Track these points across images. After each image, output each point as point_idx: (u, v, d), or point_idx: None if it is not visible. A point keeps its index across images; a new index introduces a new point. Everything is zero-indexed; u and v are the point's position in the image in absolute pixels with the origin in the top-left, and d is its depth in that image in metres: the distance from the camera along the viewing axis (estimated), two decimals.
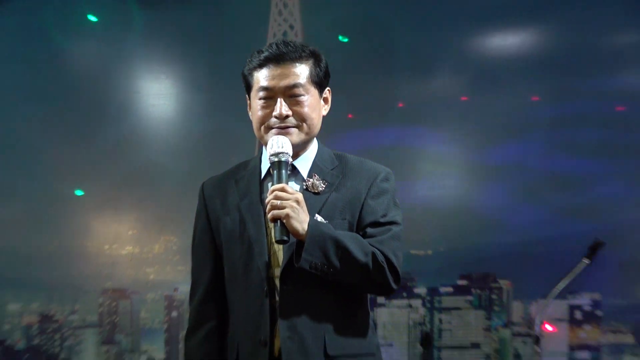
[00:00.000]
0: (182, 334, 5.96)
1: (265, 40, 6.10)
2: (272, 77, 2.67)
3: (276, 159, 2.63)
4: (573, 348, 5.66)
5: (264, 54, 2.63)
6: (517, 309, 5.84)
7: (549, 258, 5.59)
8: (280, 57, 2.62)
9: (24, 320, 5.90)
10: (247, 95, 2.74)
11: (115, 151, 6.06)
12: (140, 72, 5.87)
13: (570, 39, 5.92)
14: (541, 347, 4.86)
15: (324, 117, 2.76)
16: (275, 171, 2.63)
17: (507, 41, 5.97)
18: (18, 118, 6.03)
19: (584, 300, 5.73)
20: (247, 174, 2.89)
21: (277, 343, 2.63)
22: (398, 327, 5.70)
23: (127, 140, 6.04)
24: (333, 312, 2.72)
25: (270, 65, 2.67)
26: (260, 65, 2.67)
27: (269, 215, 2.56)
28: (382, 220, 2.78)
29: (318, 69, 2.66)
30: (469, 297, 5.85)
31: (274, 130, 2.65)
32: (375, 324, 3.70)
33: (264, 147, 2.78)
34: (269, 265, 2.70)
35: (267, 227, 2.73)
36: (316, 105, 2.75)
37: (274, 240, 2.64)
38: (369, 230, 2.72)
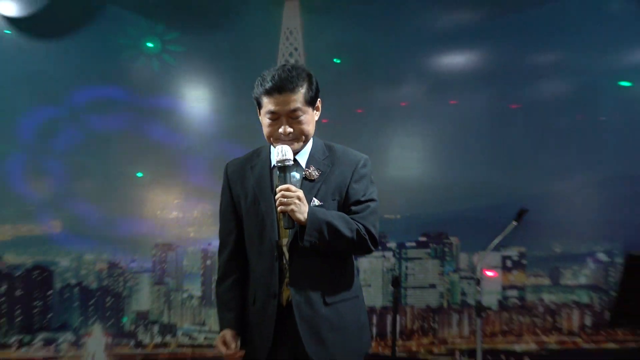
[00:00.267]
0: (214, 277, 6.29)
1: (276, 58, 6.65)
2: (277, 104, 3.34)
3: (282, 165, 3.33)
4: (505, 288, 6.44)
5: (269, 84, 3.33)
6: (463, 259, 6.54)
7: (487, 221, 6.09)
8: (282, 88, 3.31)
9: (96, 267, 6.58)
10: (257, 109, 3.47)
11: (165, 142, 6.61)
12: (184, 82, 6.47)
13: (502, 57, 6.45)
14: (481, 287, 5.45)
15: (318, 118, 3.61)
16: (281, 174, 3.34)
17: (455, 59, 6.56)
18: (93, 118, 6.53)
19: (513, 252, 6.48)
20: (259, 162, 3.60)
21: (284, 295, 3.42)
22: (375, 273, 6.30)
23: (174, 133, 6.59)
24: (328, 271, 3.49)
25: (275, 94, 3.32)
26: (267, 93, 3.34)
27: (279, 209, 3.31)
28: (362, 199, 3.49)
29: (310, 91, 3.40)
30: (428, 250, 6.53)
31: (279, 141, 3.53)
32: (358, 271, 4.27)
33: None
34: (277, 236, 3.42)
35: (275, 206, 3.47)
36: (311, 119, 3.49)
37: (282, 226, 3.41)
38: (353, 207, 3.47)
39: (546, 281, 6.42)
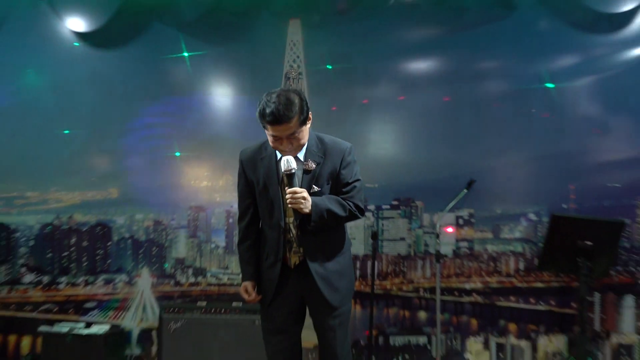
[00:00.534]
0: (235, 231, 6.48)
1: (283, 65, 7.19)
2: (277, 131, 3.85)
3: (288, 173, 3.86)
4: (458, 240, 7.08)
5: (269, 118, 3.79)
6: (426, 218, 7.14)
7: (444, 189, 6.57)
8: (280, 121, 3.81)
9: (145, 224, 7.26)
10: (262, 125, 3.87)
11: (197, 128, 7.30)
12: (210, 82, 7.18)
13: (456, 63, 7.18)
14: (440, 240, 6.18)
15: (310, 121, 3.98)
16: (288, 180, 3.88)
17: (420, 65, 7.28)
18: (141, 110, 7.32)
19: (464, 213, 7.09)
20: (267, 154, 4.07)
21: (292, 260, 4.10)
22: (358, 229, 6.91)
23: (205, 121, 7.27)
24: (326, 239, 4.13)
25: (275, 124, 3.83)
26: (268, 123, 3.83)
27: (289, 206, 3.92)
28: (350, 181, 4.06)
29: (302, 115, 3.90)
30: (399, 211, 7.15)
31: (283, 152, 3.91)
32: (346, 230, 4.35)
33: None
34: (284, 215, 4.05)
35: (282, 191, 4.01)
36: (305, 133, 3.97)
37: (287, 208, 3.98)
38: (343, 189, 4.07)
39: (489, 235, 7.03)
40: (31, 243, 7.33)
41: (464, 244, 7.12)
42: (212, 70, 7.33)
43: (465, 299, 7.08)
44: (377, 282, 6.82)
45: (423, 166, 7.08)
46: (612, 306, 6.96)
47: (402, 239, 7.09)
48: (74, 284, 7.28)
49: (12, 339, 7.27)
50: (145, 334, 7.23)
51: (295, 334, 4.22)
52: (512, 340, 7.01)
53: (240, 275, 4.23)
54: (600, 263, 6.14)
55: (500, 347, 7.01)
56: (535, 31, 7.10)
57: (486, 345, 7.03)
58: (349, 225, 4.33)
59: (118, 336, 6.87)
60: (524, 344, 6.99)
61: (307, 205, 3.88)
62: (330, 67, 7.10)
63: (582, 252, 6.01)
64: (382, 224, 7.07)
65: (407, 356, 7.03)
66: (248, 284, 4.14)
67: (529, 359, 7.00)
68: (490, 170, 7.01)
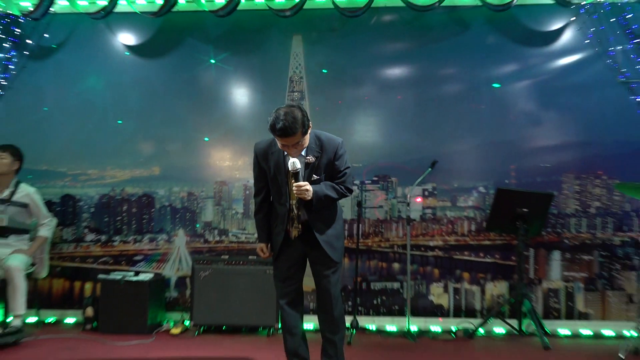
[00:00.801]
0: (251, 201, 6.44)
1: (288, 70, 7.26)
2: (284, 142, 4.15)
3: (295, 172, 4.16)
4: (424, 208, 7.15)
5: (278, 132, 4.06)
6: (399, 191, 7.16)
7: (414, 167, 6.93)
8: (286, 133, 4.06)
9: (180, 195, 7.33)
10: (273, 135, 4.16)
11: (221, 119, 7.36)
12: (231, 84, 7.25)
13: (425, 69, 7.24)
14: (410, 207, 6.56)
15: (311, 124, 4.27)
16: (294, 176, 4.17)
17: (396, 71, 7.31)
18: (177, 105, 7.37)
19: (429, 186, 7.15)
20: (276, 149, 4.35)
21: (294, 232, 4.40)
22: (347, 199, 6.59)
23: (227, 114, 7.33)
24: (325, 212, 4.45)
25: (283, 137, 4.08)
26: (278, 136, 4.10)
27: (295, 196, 4.21)
28: (341, 169, 4.38)
29: (304, 127, 4.18)
30: (378, 185, 7.20)
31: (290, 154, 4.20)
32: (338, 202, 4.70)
33: None
34: (288, 198, 4.34)
35: (288, 180, 4.29)
36: (306, 139, 4.27)
37: (294, 202, 4.29)
38: (337, 175, 4.38)
39: (448, 204, 7.10)
40: (92, 210, 7.50)
41: (428, 211, 7.22)
42: (233, 75, 7.43)
43: (429, 253, 7.19)
44: (361, 240, 6.97)
45: (397, 150, 7.18)
46: (543, 259, 7.11)
47: (381, 206, 7.19)
48: (125, 242, 7.48)
49: (77, 284, 7.45)
50: (180, 281, 7.37)
51: (298, 280, 4.59)
52: (466, 285, 7.18)
53: (257, 238, 4.65)
54: (534, 225, 6.69)
55: (456, 291, 7.18)
56: (484, 45, 7.25)
57: (445, 289, 7.19)
58: None
59: (159, 282, 7.08)
60: (474, 288, 7.17)
61: (309, 194, 4.20)
62: (325, 72, 7.23)
63: (520, 217, 6.56)
64: (365, 195, 7.14)
65: (384, 298, 7.16)
66: (263, 245, 4.61)
67: (478, 300, 7.16)
68: (449, 154, 7.14)
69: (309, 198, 4.26)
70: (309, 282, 4.82)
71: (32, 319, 6.97)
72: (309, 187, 4.20)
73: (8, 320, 6.37)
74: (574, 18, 7.04)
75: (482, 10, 7.04)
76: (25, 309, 6.35)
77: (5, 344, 5.90)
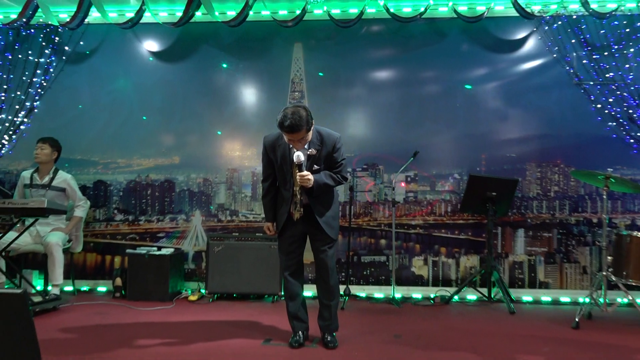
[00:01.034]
0: (258, 185, 6.98)
1: (290, 74, 7.14)
2: (291, 137, 4.10)
3: (299, 163, 4.15)
4: (407, 192, 7.04)
5: (286, 129, 4.05)
6: (385, 177, 7.06)
7: (398, 157, 6.84)
8: (293, 129, 4.02)
9: (197, 180, 7.21)
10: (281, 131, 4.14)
11: (232, 115, 7.23)
12: (242, 85, 7.09)
13: (407, 73, 7.12)
14: (395, 191, 6.51)
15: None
16: (298, 167, 4.16)
17: (382, 74, 7.16)
18: (194, 104, 7.23)
19: (411, 173, 7.05)
20: (283, 142, 4.32)
21: (296, 215, 4.36)
22: (341, 185, 5.63)
23: (237, 111, 7.20)
24: (324, 197, 4.42)
25: (290, 133, 4.03)
26: (286, 132, 4.04)
27: (299, 184, 4.18)
28: (339, 160, 4.36)
29: (308, 125, 4.11)
30: (368, 172, 7.09)
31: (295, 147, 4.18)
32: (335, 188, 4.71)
33: None
34: (292, 185, 4.32)
35: (292, 170, 4.26)
36: (310, 134, 4.20)
37: (297, 189, 4.26)
38: (335, 165, 4.36)
39: (428, 188, 7.02)
40: (120, 193, 7.41)
41: (410, 194, 7.14)
42: (242, 77, 7.33)
43: (412, 231, 7.11)
44: (353, 220, 6.93)
45: (384, 142, 7.09)
46: (509, 236, 7.05)
47: (370, 190, 7.10)
48: (149, 221, 7.39)
49: (108, 258, 7.39)
50: (197, 255, 7.29)
51: (299, 254, 4.57)
52: (443, 258, 7.12)
53: (264, 217, 4.63)
54: (501, 207, 6.61)
55: (434, 263, 7.11)
56: (459, 51, 7.15)
57: (425, 262, 7.12)
58: None
59: (179, 256, 7.00)
60: (450, 261, 7.10)
61: (311, 182, 4.16)
62: (322, 75, 7.13)
63: (489, 199, 6.48)
64: (356, 181, 7.04)
65: (372, 269, 7.09)
66: (269, 224, 4.58)
67: (454, 271, 7.10)
68: (429, 145, 7.06)
69: (311, 185, 4.24)
70: (308, 256, 4.88)
71: (68, 288, 6.93)
72: (310, 176, 4.19)
73: (48, 289, 6.33)
74: (536, 29, 6.98)
75: (457, 22, 6.96)
76: (62, 279, 6.33)
77: (45, 310, 5.86)
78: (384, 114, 7.14)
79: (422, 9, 6.78)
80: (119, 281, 6.80)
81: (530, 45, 7.09)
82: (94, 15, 7.19)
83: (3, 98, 7.21)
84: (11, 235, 5.96)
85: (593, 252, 6.80)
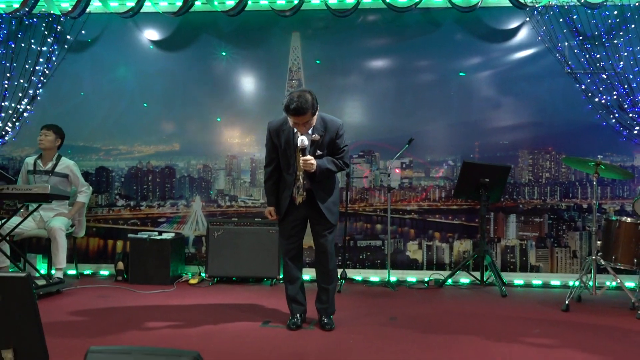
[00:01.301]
0: (258, 171, 7.10)
1: (287, 62, 7.13)
2: (296, 120, 4.10)
3: (302, 147, 4.15)
4: (402, 178, 7.03)
5: (291, 111, 4.06)
6: (382, 163, 7.05)
7: (394, 144, 6.84)
8: (298, 112, 4.02)
9: (197, 166, 7.20)
10: (286, 114, 4.16)
11: (231, 102, 7.20)
12: (241, 73, 7.09)
13: (402, 61, 7.10)
14: (390, 177, 6.48)
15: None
16: (302, 152, 4.16)
17: (378, 63, 7.16)
18: (193, 91, 7.23)
19: (406, 160, 7.05)
20: (287, 128, 4.33)
21: (299, 199, 4.34)
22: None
23: (236, 99, 7.16)
24: (326, 183, 4.41)
25: (295, 115, 4.03)
26: (291, 115, 4.04)
27: (303, 169, 4.19)
28: (341, 147, 4.34)
29: (313, 108, 4.11)
30: (364, 159, 7.09)
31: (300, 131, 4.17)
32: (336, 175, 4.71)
33: None
34: (295, 169, 4.30)
35: (296, 154, 4.26)
36: (314, 119, 4.21)
37: (300, 173, 4.25)
38: (337, 151, 4.36)
39: (422, 174, 7.03)
40: (122, 179, 7.40)
41: (405, 180, 7.14)
42: (241, 65, 7.31)
43: (407, 216, 7.12)
44: (349, 205, 6.89)
45: (379, 129, 7.10)
46: (502, 221, 7.07)
47: (366, 177, 7.11)
48: (150, 206, 7.39)
49: (110, 242, 7.40)
50: (197, 239, 7.29)
51: (299, 239, 4.58)
52: (437, 243, 7.13)
53: (266, 202, 4.64)
54: (494, 193, 6.63)
55: (429, 248, 7.12)
56: (453, 40, 7.13)
57: (420, 246, 7.13)
58: None
59: (180, 240, 7.01)
60: (444, 245, 7.12)
61: (314, 167, 4.16)
62: (319, 63, 7.12)
63: (483, 186, 6.49)
64: (353, 167, 7.02)
65: (368, 253, 7.12)
66: (271, 209, 4.55)
67: (447, 255, 7.12)
68: (423, 132, 7.04)
69: (313, 170, 4.24)
70: (307, 241, 4.88)
71: (72, 272, 6.92)
72: (313, 161, 4.18)
73: (52, 272, 6.34)
74: (528, 18, 6.91)
75: (452, 12, 6.91)
76: (66, 263, 6.32)
77: (49, 293, 5.86)
78: (379, 102, 7.10)
79: None
80: (121, 265, 6.78)
81: (522, 34, 7.05)
82: (95, 5, 7.13)
83: (6, 86, 7.16)
84: (15, 220, 5.94)
85: (583, 236, 6.81)
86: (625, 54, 6.64)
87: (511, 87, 7.02)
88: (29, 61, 7.23)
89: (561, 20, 6.75)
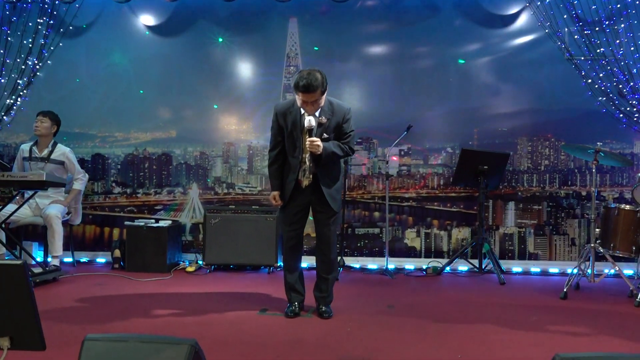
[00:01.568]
0: (255, 159, 7.13)
1: (285, 48, 7.11)
2: (305, 97, 4.08)
3: (309, 128, 4.18)
4: (400, 165, 7.05)
5: (301, 88, 4.05)
6: (380, 151, 7.07)
7: (392, 131, 6.80)
8: (308, 89, 4.02)
9: (194, 154, 7.19)
10: (294, 91, 4.14)
11: (230, 89, 7.19)
12: (237, 59, 7.08)
13: (401, 48, 7.07)
14: (388, 165, 6.46)
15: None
16: (308, 132, 4.18)
17: (376, 49, 7.16)
18: (190, 77, 7.20)
19: (404, 147, 7.04)
20: (294, 110, 4.32)
21: (305, 182, 4.32)
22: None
23: (233, 85, 7.17)
24: (331, 169, 4.38)
25: (304, 92, 4.02)
26: (300, 91, 4.03)
27: (309, 150, 4.16)
28: (347, 132, 4.33)
29: (322, 87, 4.11)
30: (362, 146, 7.09)
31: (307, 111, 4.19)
32: (341, 162, 4.70)
33: None
34: (302, 152, 4.29)
35: (302, 136, 4.25)
36: (323, 99, 4.20)
37: (306, 156, 4.23)
38: (344, 136, 4.36)
39: (421, 162, 7.04)
40: (118, 167, 7.39)
41: (404, 168, 7.15)
42: (238, 51, 7.28)
43: (405, 204, 7.14)
44: (347, 192, 6.90)
45: (378, 116, 7.08)
46: (500, 209, 7.09)
47: (364, 164, 7.12)
48: (147, 194, 7.38)
49: (106, 230, 7.40)
50: (194, 227, 7.30)
51: (301, 227, 4.56)
52: (435, 230, 7.16)
53: (270, 187, 4.59)
54: (492, 180, 6.63)
55: (427, 235, 7.14)
56: (452, 26, 7.11)
57: (418, 234, 7.16)
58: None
59: (177, 228, 6.99)
60: (442, 233, 7.14)
61: (320, 149, 4.15)
62: (316, 49, 7.11)
63: (481, 173, 6.48)
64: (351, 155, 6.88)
65: (366, 241, 7.14)
66: (276, 193, 4.50)
67: (445, 242, 7.15)
68: (422, 119, 7.03)
69: (319, 152, 4.22)
70: (306, 229, 4.97)
71: (68, 259, 6.90)
72: (320, 142, 4.17)
73: (48, 260, 6.32)
74: (528, 4, 6.88)
75: None
76: (62, 251, 6.31)
77: (46, 281, 5.86)
78: (378, 89, 7.09)
79: None
80: (117, 253, 6.76)
81: (522, 20, 7.01)
82: None
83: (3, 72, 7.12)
84: (11, 207, 5.94)
85: (582, 224, 6.83)
86: (626, 40, 6.60)
87: (510, 73, 7.00)
88: (24, 42, 7.17)
89: (561, 5, 6.69)
